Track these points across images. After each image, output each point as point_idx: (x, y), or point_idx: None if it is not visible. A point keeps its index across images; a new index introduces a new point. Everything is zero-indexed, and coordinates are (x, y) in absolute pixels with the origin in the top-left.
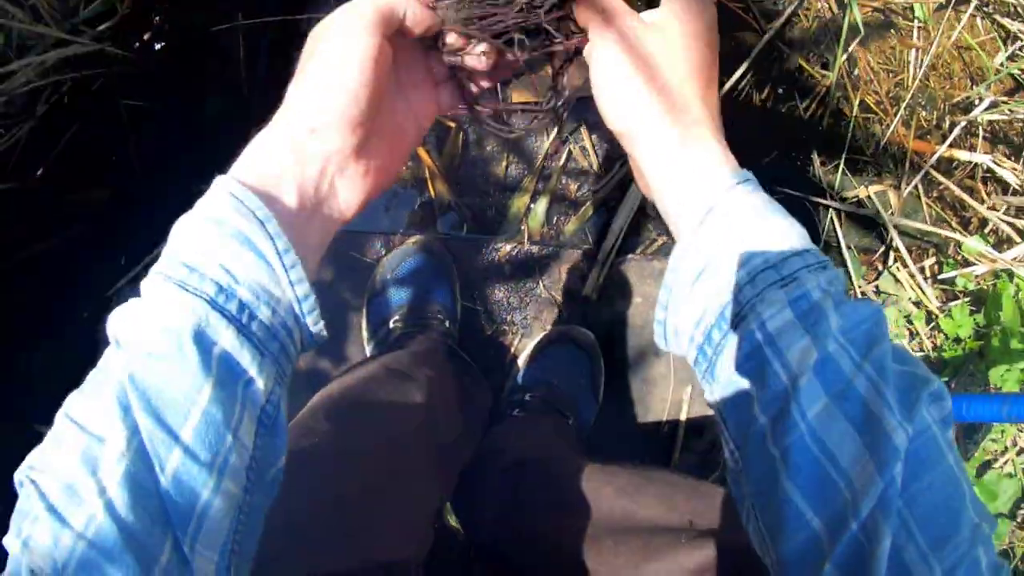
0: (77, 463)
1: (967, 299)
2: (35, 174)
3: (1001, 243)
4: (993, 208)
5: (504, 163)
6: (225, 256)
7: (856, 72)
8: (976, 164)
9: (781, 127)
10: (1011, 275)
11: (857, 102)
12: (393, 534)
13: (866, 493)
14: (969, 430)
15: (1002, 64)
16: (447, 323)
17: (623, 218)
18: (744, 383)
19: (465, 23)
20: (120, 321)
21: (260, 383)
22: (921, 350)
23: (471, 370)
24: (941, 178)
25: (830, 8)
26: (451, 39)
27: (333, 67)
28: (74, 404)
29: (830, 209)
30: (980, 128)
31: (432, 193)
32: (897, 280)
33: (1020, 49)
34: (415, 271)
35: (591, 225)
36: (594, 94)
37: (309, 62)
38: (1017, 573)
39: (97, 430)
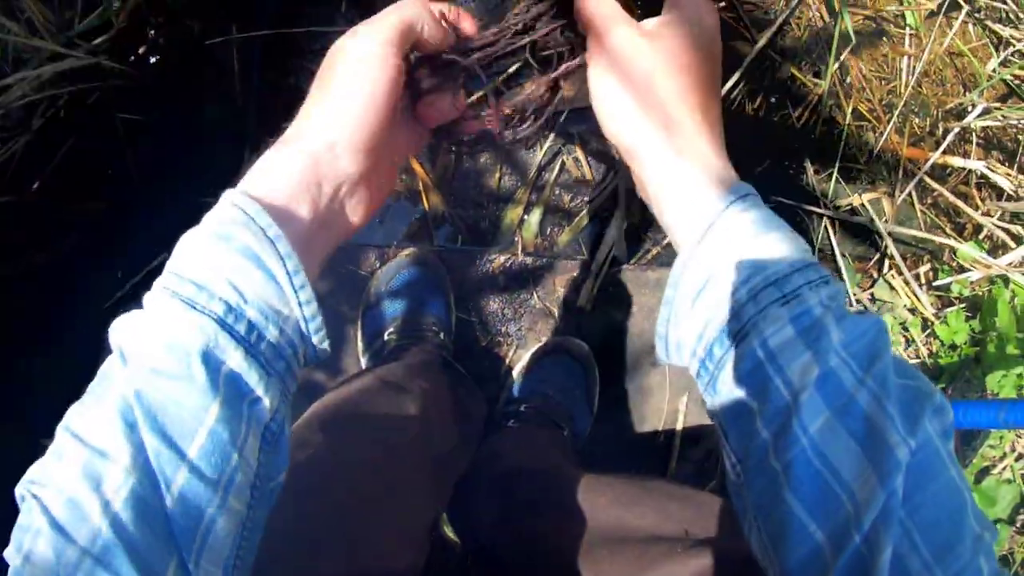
0: (80, 478)
1: (962, 305)
2: (32, 187)
3: (996, 249)
4: (987, 214)
5: (497, 175)
6: (234, 274)
7: (848, 80)
8: (970, 170)
9: (774, 136)
10: (1006, 281)
11: (850, 110)
12: (389, 544)
13: (868, 506)
14: (967, 436)
15: (994, 70)
16: (442, 335)
17: (617, 228)
18: (746, 399)
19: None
20: (124, 332)
21: (266, 402)
22: (917, 357)
23: (466, 381)
24: (935, 185)
25: (821, 17)
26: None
27: (357, 93)
28: (75, 418)
29: (824, 217)
30: (973, 134)
31: (426, 205)
32: (892, 287)
33: (1012, 55)
34: (409, 283)
35: (585, 236)
36: (593, 107)
37: (331, 82)
38: None
39: (100, 445)
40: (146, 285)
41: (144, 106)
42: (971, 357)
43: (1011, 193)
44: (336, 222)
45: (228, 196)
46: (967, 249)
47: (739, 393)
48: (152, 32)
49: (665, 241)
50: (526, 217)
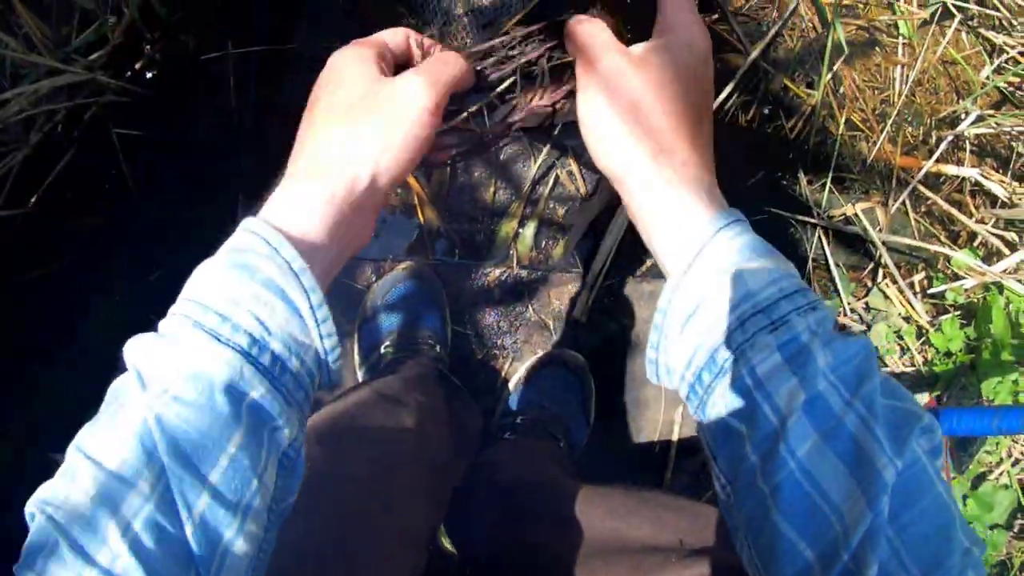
0: (97, 501)
1: (957, 313)
2: (30, 201)
3: (990, 256)
4: (982, 221)
5: (492, 189)
6: (257, 306)
7: (841, 90)
8: (964, 178)
9: (767, 147)
10: (1001, 288)
11: (843, 120)
12: (388, 557)
13: (857, 525)
14: (964, 443)
15: (988, 77)
16: (438, 348)
17: (611, 241)
18: (735, 423)
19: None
20: (142, 355)
21: (286, 430)
22: (912, 365)
23: (462, 394)
24: (929, 193)
25: (814, 27)
26: None
27: (399, 127)
28: (89, 439)
29: (818, 227)
30: (967, 142)
31: (421, 219)
32: (887, 296)
33: (1006, 61)
34: (405, 297)
35: (579, 249)
36: (582, 133)
37: (374, 115)
38: None
39: (117, 469)
40: (144, 299)
41: (141, 121)
42: (966, 364)
43: (1005, 200)
44: (351, 245)
45: (250, 225)
46: (961, 257)
47: (728, 418)
48: (148, 47)
49: None
50: (521, 230)
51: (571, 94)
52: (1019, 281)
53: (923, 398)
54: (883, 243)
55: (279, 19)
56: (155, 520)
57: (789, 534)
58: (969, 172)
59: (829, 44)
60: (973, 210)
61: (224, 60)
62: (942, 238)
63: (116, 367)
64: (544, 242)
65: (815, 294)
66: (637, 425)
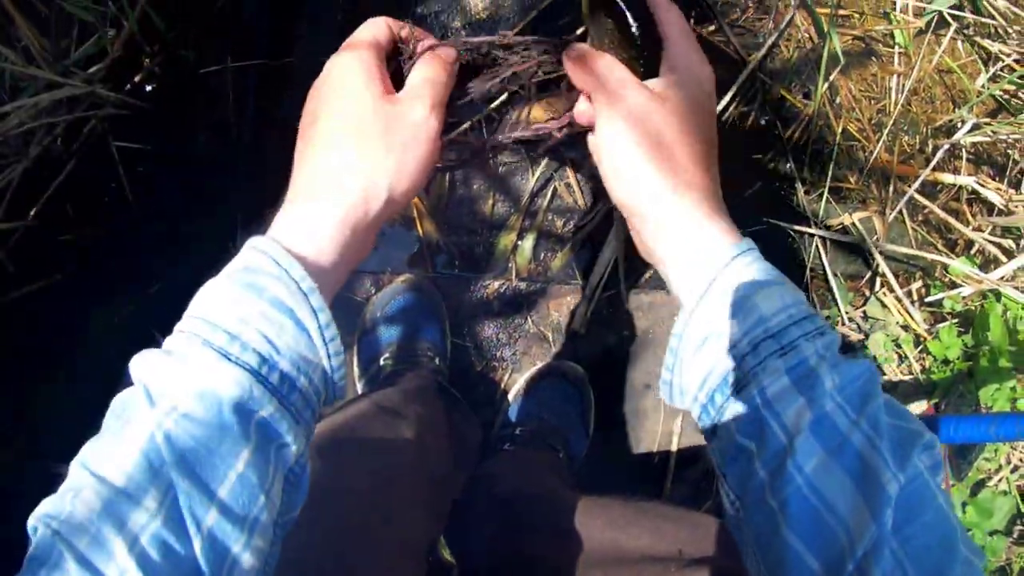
0: (103, 517)
1: (955, 320)
2: (29, 214)
3: (988, 263)
4: (979, 229)
5: (490, 201)
6: (265, 325)
7: (838, 100)
8: (960, 186)
9: (764, 157)
10: (998, 295)
11: (840, 130)
12: (386, 569)
13: (862, 537)
14: (962, 450)
15: (984, 86)
16: (437, 360)
17: (610, 252)
18: (745, 442)
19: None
20: (148, 372)
21: (293, 447)
22: (910, 373)
23: (461, 406)
24: (926, 202)
25: (810, 38)
26: None
27: (412, 150)
28: (92, 455)
29: (815, 237)
30: (963, 150)
31: (420, 232)
32: (884, 305)
33: (1002, 69)
34: (405, 309)
35: (578, 260)
36: (600, 169)
37: (386, 138)
38: None
39: (123, 485)
40: (144, 311)
41: (140, 134)
42: (964, 372)
43: (1002, 208)
44: (356, 259)
45: (258, 244)
46: (959, 265)
47: (738, 436)
48: (147, 61)
49: None
50: (519, 243)
51: (572, 124)
52: (1016, 288)
53: (921, 406)
54: (880, 252)
55: (278, 33)
56: (162, 536)
57: (797, 546)
58: (966, 180)
59: (825, 54)
60: (970, 218)
61: (223, 73)
62: (939, 246)
63: (116, 378)
64: (543, 254)
65: (822, 319)
66: (636, 436)
